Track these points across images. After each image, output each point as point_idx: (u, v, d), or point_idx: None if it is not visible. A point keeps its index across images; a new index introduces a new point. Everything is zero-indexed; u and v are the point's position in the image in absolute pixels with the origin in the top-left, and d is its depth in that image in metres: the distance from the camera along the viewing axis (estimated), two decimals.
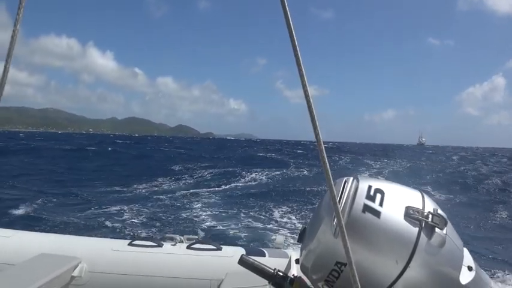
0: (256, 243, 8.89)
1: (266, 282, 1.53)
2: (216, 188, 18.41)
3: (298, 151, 59.50)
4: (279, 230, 10.31)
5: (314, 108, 1.02)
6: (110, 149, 47.79)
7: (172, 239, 3.14)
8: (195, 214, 12.12)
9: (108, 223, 10.38)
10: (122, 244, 3.10)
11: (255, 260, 1.56)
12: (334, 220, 1.26)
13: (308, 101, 1.02)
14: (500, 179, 26.36)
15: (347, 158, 45.65)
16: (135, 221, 10.93)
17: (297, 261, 1.50)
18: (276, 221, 11.59)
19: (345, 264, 1.22)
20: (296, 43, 1.00)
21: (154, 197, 15.21)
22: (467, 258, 1.36)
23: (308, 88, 1.01)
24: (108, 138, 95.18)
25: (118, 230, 9.77)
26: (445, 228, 1.27)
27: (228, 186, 19.50)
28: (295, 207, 13.63)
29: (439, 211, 1.30)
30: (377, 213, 1.26)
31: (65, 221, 10.36)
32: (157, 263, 2.91)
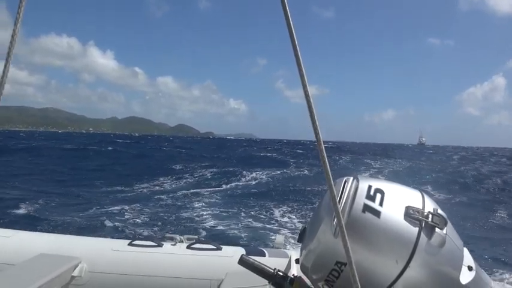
0: (256, 243, 8.90)
1: (266, 282, 1.53)
2: (217, 188, 18.43)
3: (298, 151, 59.50)
4: (279, 230, 10.32)
5: (314, 108, 1.02)
6: (110, 148, 47.78)
7: (172, 239, 3.14)
8: (195, 214, 12.13)
9: (108, 223, 10.39)
10: (122, 244, 3.10)
11: (255, 260, 1.56)
12: (334, 220, 1.26)
13: (308, 101, 1.02)
14: (500, 179, 26.36)
15: (347, 157, 45.65)
16: (136, 220, 10.94)
17: (297, 261, 1.50)
18: (277, 221, 11.59)
19: (345, 264, 1.22)
20: (296, 43, 1.00)
21: (155, 196, 15.22)
22: (468, 258, 1.36)
23: (308, 88, 1.01)
24: (108, 138, 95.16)
25: (118, 229, 9.78)
26: (445, 228, 1.27)
27: (228, 186, 19.51)
28: (295, 207, 13.64)
29: (439, 211, 1.30)
30: (377, 213, 1.26)
31: (65, 220, 10.37)
32: (157, 263, 2.91)
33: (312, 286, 1.42)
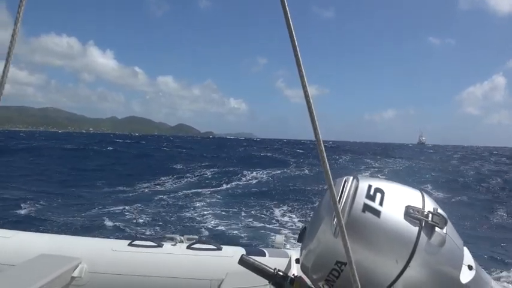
0: (257, 243, 8.91)
1: (266, 282, 1.53)
2: (217, 188, 18.44)
3: (299, 150, 59.51)
4: (280, 229, 10.32)
5: (314, 108, 1.02)
6: (110, 148, 47.78)
7: (172, 239, 3.14)
8: (196, 214, 12.13)
9: (108, 223, 10.39)
10: (122, 244, 3.10)
11: (255, 260, 1.56)
12: (334, 220, 1.26)
13: (308, 101, 1.02)
14: (500, 178, 26.37)
15: (347, 157, 45.67)
16: (136, 221, 10.94)
17: (297, 260, 1.50)
18: (277, 220, 11.60)
19: (345, 264, 1.22)
20: (296, 43, 1.00)
21: (156, 196, 15.22)
22: (468, 257, 1.36)
23: (308, 88, 1.01)
24: (108, 138, 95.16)
25: (118, 230, 9.78)
26: (445, 227, 1.27)
27: (229, 185, 19.53)
28: (295, 206, 13.65)
29: (439, 210, 1.30)
30: (377, 213, 1.26)
31: (65, 221, 10.37)
32: (158, 263, 2.91)
33: (312, 286, 1.42)
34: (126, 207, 12.46)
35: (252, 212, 12.76)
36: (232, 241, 8.83)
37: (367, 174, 25.61)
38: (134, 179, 19.76)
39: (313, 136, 1.04)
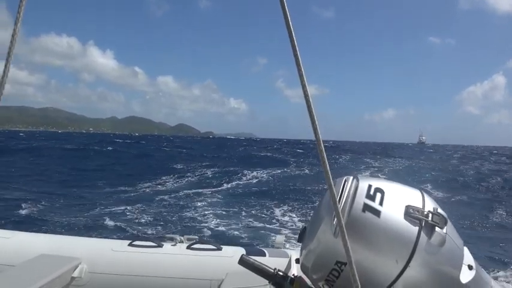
0: (257, 243, 8.91)
1: (266, 282, 1.53)
2: (218, 187, 18.45)
3: (299, 150, 59.53)
4: (280, 229, 10.32)
5: (314, 108, 1.02)
6: (110, 148, 47.81)
7: (172, 239, 3.14)
8: (196, 213, 12.14)
9: (108, 223, 10.40)
10: (122, 244, 3.10)
11: (255, 260, 1.56)
12: (334, 220, 1.26)
13: (308, 101, 1.02)
14: (500, 178, 26.37)
15: (347, 156, 45.71)
16: (136, 221, 10.94)
17: (297, 260, 1.50)
18: (278, 220, 11.61)
19: (345, 264, 1.22)
20: (296, 43, 1.00)
21: (156, 196, 15.22)
22: (468, 257, 1.36)
23: (308, 88, 1.01)
24: (108, 138, 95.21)
25: (118, 230, 9.78)
26: (445, 227, 1.26)
27: (229, 185, 19.54)
28: (296, 206, 13.65)
29: (439, 210, 1.30)
30: (377, 213, 1.26)
31: (66, 221, 10.37)
32: (158, 263, 2.91)
33: (312, 286, 1.42)
34: (127, 207, 12.47)
35: (253, 211, 12.77)
36: (233, 241, 8.83)
37: (367, 174, 25.62)
38: (135, 179, 19.77)
39: (313, 136, 1.04)
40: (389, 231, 1.24)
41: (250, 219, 11.55)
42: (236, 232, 10.00)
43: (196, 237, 3.23)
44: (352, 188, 1.33)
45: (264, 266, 1.53)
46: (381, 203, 1.27)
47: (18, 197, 13.61)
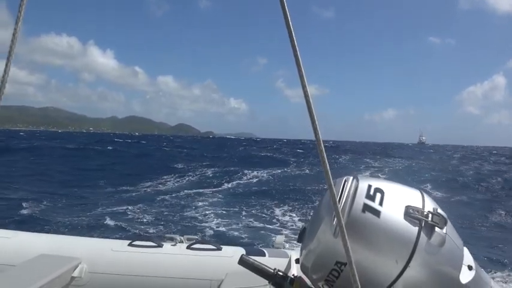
0: (257, 243, 8.91)
1: (266, 282, 1.53)
2: (218, 187, 18.45)
3: (299, 150, 59.54)
4: (280, 230, 10.32)
5: (314, 108, 1.02)
6: (110, 148, 47.81)
7: (172, 239, 3.14)
8: (196, 213, 12.14)
9: (108, 223, 10.40)
10: (122, 244, 3.10)
11: (255, 260, 1.56)
12: (334, 220, 1.26)
13: (308, 101, 1.02)
14: (500, 178, 26.37)
15: (347, 156, 45.72)
16: (137, 220, 10.95)
17: (297, 261, 1.50)
18: (278, 220, 11.61)
19: (345, 264, 1.22)
20: (296, 44, 1.00)
21: (157, 196, 15.23)
22: (468, 258, 1.36)
23: (308, 89, 1.01)
24: (108, 137, 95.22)
25: (118, 230, 9.78)
26: (445, 227, 1.27)
27: (229, 185, 19.55)
28: (296, 206, 13.66)
29: (439, 210, 1.30)
30: (377, 213, 1.26)
31: (67, 221, 10.38)
32: (158, 263, 2.91)
33: (312, 286, 1.42)
34: (128, 207, 12.48)
35: (253, 211, 12.78)
36: (233, 241, 8.83)
37: (367, 174, 25.62)
38: (135, 179, 19.77)
39: (313, 136, 1.04)
40: (389, 231, 1.24)
41: (250, 219, 11.56)
42: (236, 232, 10.00)
43: (196, 237, 3.23)
44: (352, 188, 1.33)
45: (263, 266, 1.53)
46: (380, 203, 1.28)
47: (19, 196, 13.61)
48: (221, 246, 3.08)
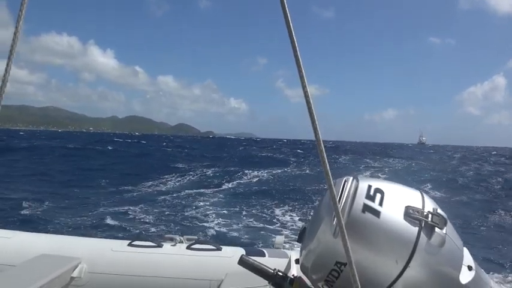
0: (258, 243, 8.91)
1: (266, 282, 1.53)
2: (218, 187, 18.44)
3: (299, 150, 59.56)
4: (281, 230, 10.32)
5: (314, 108, 1.02)
6: (111, 148, 47.84)
7: (172, 240, 3.13)
8: (196, 213, 12.14)
9: (108, 223, 10.40)
10: (121, 244, 3.10)
11: (255, 260, 1.56)
12: (334, 220, 1.26)
13: (308, 102, 1.02)
14: (500, 178, 26.37)
15: (347, 156, 45.72)
16: (137, 220, 10.94)
17: (296, 261, 1.50)
18: (278, 220, 11.61)
19: (345, 264, 1.22)
20: (296, 44, 1.00)
21: (157, 196, 15.23)
22: (467, 258, 1.36)
23: (308, 88, 1.01)
24: (109, 137, 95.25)
25: (118, 230, 9.78)
26: (445, 227, 1.27)
27: (230, 185, 19.55)
28: (296, 206, 13.66)
29: (439, 211, 1.30)
30: (377, 213, 1.26)
31: (65, 221, 10.38)
32: (157, 263, 2.91)
33: (312, 286, 1.42)
34: (128, 207, 12.47)
35: (253, 211, 12.78)
36: (233, 241, 8.84)
37: (367, 174, 25.64)
38: (136, 179, 19.77)
39: (313, 136, 1.04)
40: (389, 231, 1.24)
41: (250, 219, 11.56)
42: (237, 233, 10.00)
43: (196, 237, 3.22)
44: (352, 189, 1.33)
45: (263, 267, 1.53)
46: (380, 204, 1.27)
47: (20, 196, 13.60)
48: (221, 246, 3.08)
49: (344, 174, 1.42)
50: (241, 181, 21.34)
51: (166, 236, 3.20)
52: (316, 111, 1.02)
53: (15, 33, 0.91)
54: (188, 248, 3.03)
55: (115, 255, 2.97)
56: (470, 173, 30.90)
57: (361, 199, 1.29)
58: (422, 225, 1.24)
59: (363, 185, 1.33)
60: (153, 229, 9.97)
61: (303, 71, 1.01)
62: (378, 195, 1.30)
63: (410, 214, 1.25)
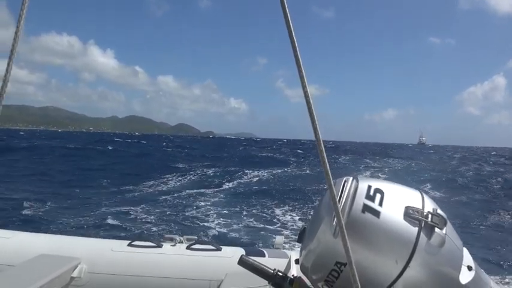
0: (257, 242, 8.91)
1: (266, 282, 1.53)
2: (219, 187, 18.45)
3: (299, 150, 59.58)
4: (281, 230, 10.33)
5: (314, 109, 1.02)
6: (111, 147, 47.85)
7: (171, 240, 3.13)
8: (197, 213, 12.15)
9: (109, 223, 10.40)
10: (121, 245, 3.09)
11: (255, 261, 1.56)
12: (334, 220, 1.26)
13: (308, 102, 1.02)
14: (500, 179, 26.38)
15: (347, 157, 45.74)
16: (137, 220, 10.94)
17: (296, 261, 1.50)
18: (278, 220, 11.62)
19: (345, 264, 1.22)
20: (296, 44, 1.00)
21: (157, 196, 15.24)
22: (467, 258, 1.36)
23: (308, 88, 1.01)
24: (108, 137, 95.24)
25: (118, 230, 9.77)
26: (445, 228, 1.26)
27: (230, 185, 19.57)
28: (296, 206, 13.67)
29: (439, 211, 1.30)
30: (377, 213, 1.25)
31: (66, 221, 10.37)
32: (157, 263, 2.91)
33: (312, 286, 1.42)
34: (129, 207, 12.47)
35: (254, 211, 12.79)
36: (233, 241, 8.84)
37: (367, 174, 25.65)
38: (136, 179, 19.77)
39: (313, 136, 1.04)
40: (389, 231, 1.24)
41: (251, 219, 11.57)
42: (237, 233, 10.00)
43: (196, 237, 3.22)
44: (352, 189, 1.33)
45: (263, 267, 1.53)
46: (380, 204, 1.27)
47: (21, 196, 13.60)
48: (221, 246, 3.08)
49: (344, 174, 1.42)
50: (242, 181, 21.36)
51: (166, 236, 3.20)
52: (316, 111, 1.02)
53: (16, 33, 0.90)
54: (188, 248, 3.03)
55: (115, 255, 2.97)
56: (470, 173, 30.92)
57: (361, 199, 1.28)
58: (422, 225, 1.24)
59: (363, 185, 1.33)
60: (154, 229, 9.97)
61: (303, 71, 1.01)
62: (378, 196, 1.30)
63: (410, 214, 1.25)
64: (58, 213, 11.41)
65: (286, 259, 2.87)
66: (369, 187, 1.32)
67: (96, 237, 4.49)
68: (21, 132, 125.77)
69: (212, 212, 12.36)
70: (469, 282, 1.31)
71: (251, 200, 14.73)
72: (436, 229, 1.24)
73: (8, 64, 0.91)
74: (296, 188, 18.09)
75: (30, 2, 0.91)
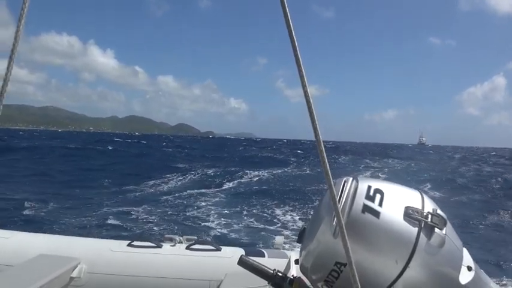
0: (257, 242, 8.92)
1: (266, 282, 1.53)
2: (219, 187, 18.45)
3: (299, 151, 59.59)
4: (281, 230, 10.33)
5: (314, 108, 1.02)
6: (110, 147, 47.84)
7: (171, 240, 3.13)
8: (198, 213, 12.15)
9: (109, 223, 10.40)
10: (121, 245, 3.09)
11: (255, 261, 1.56)
12: (333, 220, 1.25)
13: (308, 102, 1.02)
14: (499, 179, 26.38)
15: (347, 157, 45.75)
16: (139, 220, 10.95)
17: (296, 261, 1.50)
18: (279, 220, 11.63)
19: (345, 265, 1.22)
20: (296, 44, 0.99)
21: (158, 196, 15.24)
22: (467, 258, 1.36)
23: (308, 88, 1.01)
24: (108, 137, 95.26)
25: (119, 230, 9.77)
26: (445, 228, 1.26)
27: (231, 184, 19.58)
28: (296, 206, 13.68)
29: (439, 211, 1.29)
30: (376, 214, 1.25)
31: (67, 221, 10.37)
32: (157, 263, 2.91)
33: (312, 286, 1.42)
34: (131, 207, 12.48)
35: (254, 211, 12.80)
36: (233, 241, 8.84)
37: (367, 174, 25.66)
38: (137, 179, 19.77)
39: (313, 136, 1.03)
40: (389, 232, 1.24)
41: (251, 219, 11.58)
42: (237, 233, 10.00)
43: (196, 237, 3.22)
44: (352, 189, 1.33)
45: (263, 267, 1.53)
46: (380, 204, 1.27)
47: (22, 196, 13.60)
48: (220, 246, 3.08)
49: (344, 175, 1.42)
50: (242, 181, 21.37)
51: (166, 236, 3.20)
52: (316, 111, 1.02)
53: (16, 33, 0.90)
54: (188, 248, 3.03)
55: (114, 255, 2.97)
56: (469, 174, 30.93)
57: (360, 199, 1.28)
58: (422, 225, 1.24)
59: (363, 186, 1.33)
60: (155, 229, 9.97)
61: (303, 71, 1.01)
62: (378, 196, 1.29)
63: (410, 214, 1.25)
64: (59, 213, 11.41)
65: (286, 259, 2.87)
66: (369, 187, 1.32)
67: (95, 237, 4.50)
68: (21, 132, 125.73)
69: (213, 212, 12.36)
70: (468, 283, 1.31)
71: (251, 200, 14.74)
72: (436, 229, 1.24)
73: (9, 64, 0.91)
74: (296, 188, 18.09)
75: (30, 2, 0.90)
